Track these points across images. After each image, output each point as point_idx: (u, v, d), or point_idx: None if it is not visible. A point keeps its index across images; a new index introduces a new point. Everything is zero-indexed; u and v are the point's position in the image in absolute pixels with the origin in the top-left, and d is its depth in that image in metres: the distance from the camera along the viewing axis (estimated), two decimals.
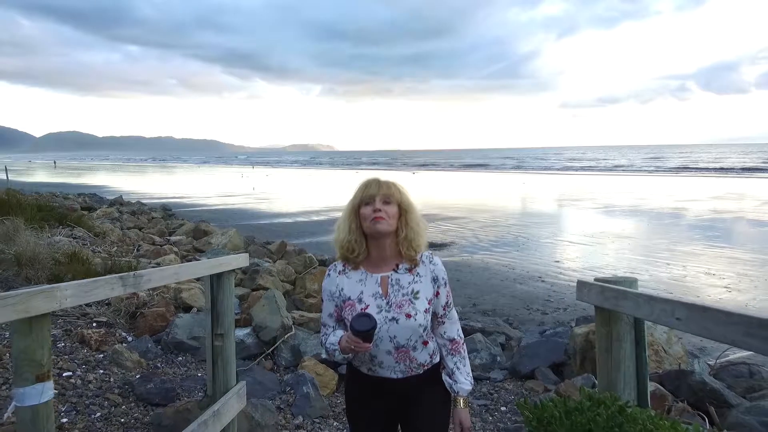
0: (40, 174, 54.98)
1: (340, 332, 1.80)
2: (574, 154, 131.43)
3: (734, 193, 25.70)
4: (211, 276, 2.57)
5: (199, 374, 3.86)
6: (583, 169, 59.73)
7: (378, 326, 1.67)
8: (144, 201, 20.94)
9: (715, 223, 15.85)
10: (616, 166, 61.47)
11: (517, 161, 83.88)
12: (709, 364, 4.34)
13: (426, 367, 1.82)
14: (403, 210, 1.81)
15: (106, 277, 1.69)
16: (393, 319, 1.73)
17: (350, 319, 1.69)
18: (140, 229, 10.55)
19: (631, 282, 1.57)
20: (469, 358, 4.97)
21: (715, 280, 9.33)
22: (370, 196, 1.78)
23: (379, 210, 1.74)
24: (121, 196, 20.60)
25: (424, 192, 29.11)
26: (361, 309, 1.75)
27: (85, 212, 11.56)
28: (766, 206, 19.86)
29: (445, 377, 1.86)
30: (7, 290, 4.38)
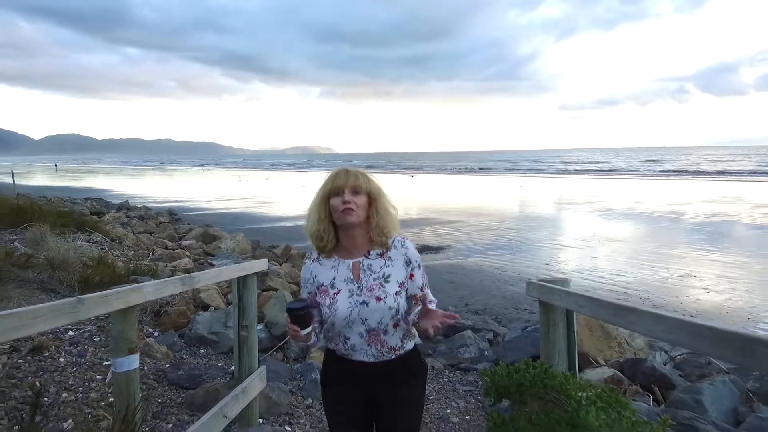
0: (42, 177, 55.46)
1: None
2: (572, 156, 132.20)
3: (727, 197, 26.17)
4: (239, 278, 3.12)
5: (219, 364, 4.39)
6: (579, 172, 60.36)
7: (311, 307, 1.76)
8: (149, 205, 21.47)
9: (703, 227, 16.39)
10: (612, 170, 62.02)
11: (516, 164, 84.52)
12: (671, 356, 4.89)
13: (398, 351, 1.85)
14: (373, 198, 1.83)
15: (171, 278, 2.23)
16: (363, 302, 1.78)
17: (292, 303, 1.74)
18: (150, 234, 11.08)
19: (564, 282, 2.12)
20: (459, 352, 5.55)
21: (695, 282, 9.86)
22: (338, 187, 1.80)
23: (348, 202, 1.77)
24: (127, 200, 21.10)
25: (422, 196, 29.63)
26: (334, 294, 1.81)
27: (95, 217, 12.08)
28: (756, 210, 20.37)
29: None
30: (45, 290, 4.97)
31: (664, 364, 4.20)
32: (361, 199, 1.80)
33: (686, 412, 2.71)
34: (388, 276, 1.82)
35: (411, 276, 1.85)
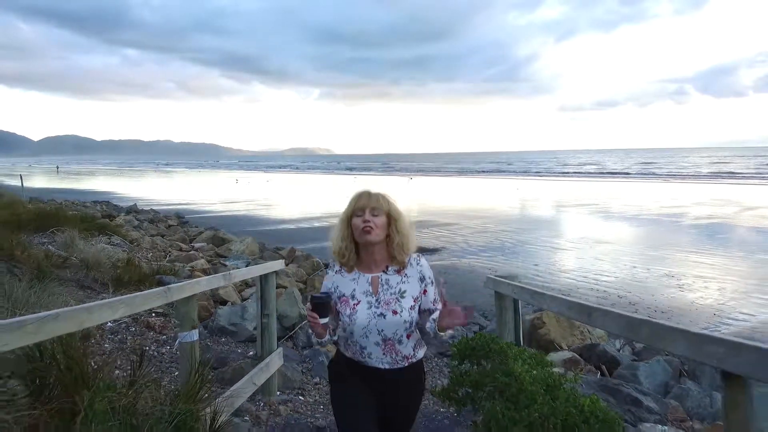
0: (45, 180, 56.04)
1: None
2: (570, 158, 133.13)
3: (716, 200, 26.81)
4: (261, 276, 3.84)
5: (239, 350, 5.12)
6: (575, 174, 61.12)
7: (333, 300, 1.98)
8: (155, 208, 22.17)
9: (687, 229, 17.16)
10: (609, 172, 62.66)
11: (514, 166, 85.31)
12: (630, 344, 5.62)
13: (410, 360, 2.00)
14: (393, 219, 1.99)
15: (216, 275, 2.96)
16: (381, 314, 1.94)
17: (315, 295, 1.92)
18: (162, 236, 11.79)
19: (513, 276, 2.85)
20: (447, 342, 6.27)
21: (672, 281, 10.59)
22: (360, 208, 1.96)
23: (368, 221, 1.93)
24: (135, 204, 21.82)
25: (420, 198, 30.28)
26: (354, 305, 1.97)
27: (107, 220, 12.79)
28: (742, 213, 21.02)
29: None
30: (82, 288, 5.78)
31: (619, 350, 4.94)
32: (381, 220, 1.96)
33: (616, 380, 3.44)
34: (404, 291, 1.97)
35: (425, 291, 2.01)
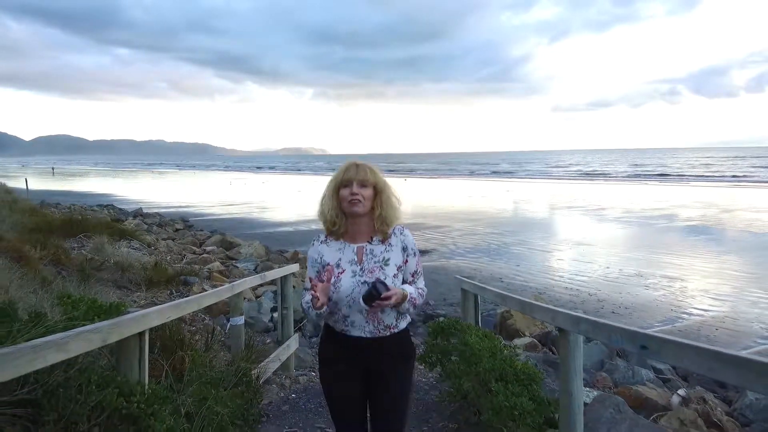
0: (42, 181, 56.33)
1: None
2: (561, 158, 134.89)
3: (699, 202, 27.71)
4: (281, 277, 4.85)
5: (258, 339, 6.11)
6: (566, 176, 62.39)
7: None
8: (158, 211, 23.01)
9: (664, 232, 18.24)
10: (600, 174, 63.63)
11: (506, 167, 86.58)
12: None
13: (392, 330, 2.04)
14: (379, 190, 2.03)
15: (254, 276, 3.97)
16: (365, 282, 1.96)
17: (373, 280, 1.91)
18: (173, 240, 12.73)
19: (472, 277, 3.88)
20: (413, 316, 7.29)
21: (640, 280, 11.63)
22: (348, 180, 1.99)
23: (356, 194, 1.97)
24: (141, 208, 22.69)
25: (413, 200, 31.19)
26: (338, 273, 2.00)
27: (123, 225, 13.71)
28: (720, 215, 21.86)
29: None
30: (119, 287, 6.92)
31: None
32: (368, 191, 2.00)
33: (557, 356, 4.48)
34: (388, 260, 2.03)
35: (406, 261, 2.06)
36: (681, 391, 4.06)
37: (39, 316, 1.89)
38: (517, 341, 5.50)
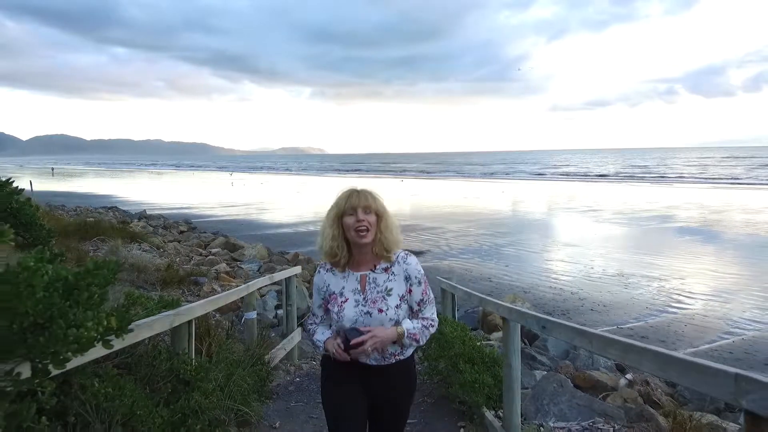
0: (42, 182, 56.65)
1: (328, 332, 2.08)
2: (558, 158, 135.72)
3: (691, 203, 28.33)
4: (286, 277, 5.53)
5: (264, 333, 6.79)
6: (562, 176, 63.03)
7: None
8: (161, 213, 23.60)
9: (650, 233, 18.86)
10: (597, 175, 64.08)
11: (502, 167, 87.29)
12: None
13: (397, 357, 2.02)
14: (379, 216, 2.01)
15: (264, 277, 4.66)
16: (367, 312, 1.96)
17: (346, 328, 1.94)
18: (179, 242, 13.38)
19: (450, 278, 4.57)
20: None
21: (621, 280, 12.28)
22: (352, 207, 1.97)
23: (362, 220, 1.95)
24: (145, 210, 23.32)
25: (409, 201, 31.53)
26: (342, 302, 2.00)
27: (132, 228, 14.35)
28: (707, 216, 22.49)
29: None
30: (136, 288, 7.65)
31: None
32: (372, 218, 1.98)
33: (528, 347, 5.18)
34: (390, 290, 2.00)
35: (410, 291, 2.03)
36: (628, 375, 4.76)
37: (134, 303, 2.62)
38: (495, 334, 6.19)
